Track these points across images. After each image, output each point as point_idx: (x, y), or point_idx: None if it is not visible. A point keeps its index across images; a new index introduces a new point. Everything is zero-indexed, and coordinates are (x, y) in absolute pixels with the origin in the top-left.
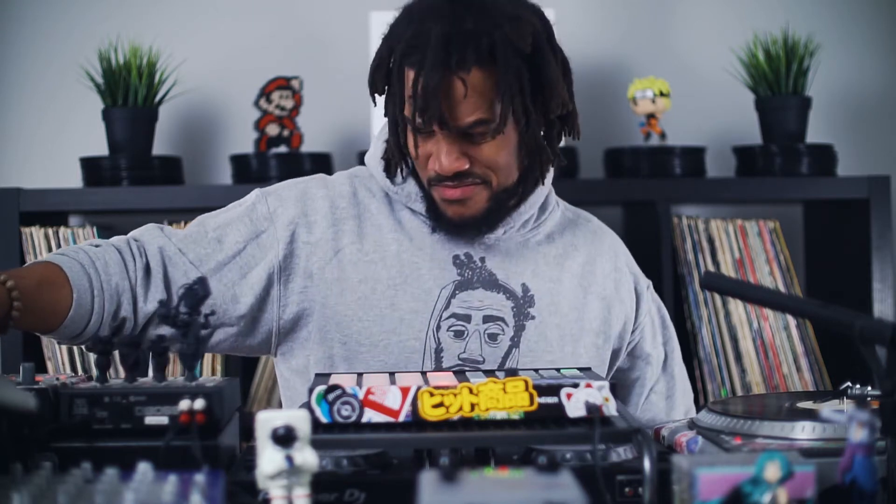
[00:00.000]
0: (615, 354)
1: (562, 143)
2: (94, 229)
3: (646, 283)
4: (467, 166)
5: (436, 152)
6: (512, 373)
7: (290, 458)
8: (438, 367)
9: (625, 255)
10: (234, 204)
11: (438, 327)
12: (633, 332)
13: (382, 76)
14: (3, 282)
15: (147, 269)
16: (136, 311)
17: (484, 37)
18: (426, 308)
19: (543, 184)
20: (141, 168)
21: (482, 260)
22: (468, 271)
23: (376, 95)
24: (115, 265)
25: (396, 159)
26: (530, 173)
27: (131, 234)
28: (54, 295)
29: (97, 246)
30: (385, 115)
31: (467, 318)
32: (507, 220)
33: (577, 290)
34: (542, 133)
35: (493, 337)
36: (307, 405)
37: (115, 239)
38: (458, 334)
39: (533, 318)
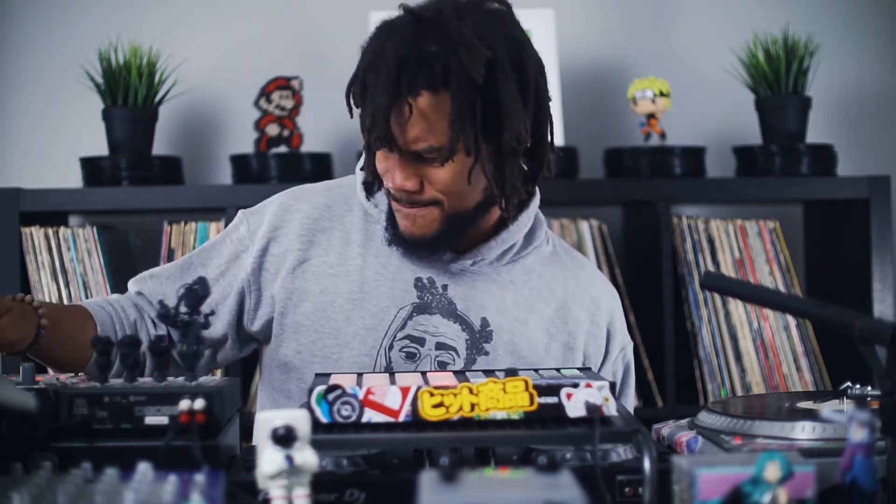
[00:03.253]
0: None
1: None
2: (94, 229)
3: (620, 345)
4: (417, 188)
5: (391, 169)
6: (512, 373)
7: (290, 458)
8: None
9: (608, 310)
10: (224, 231)
11: (391, 347)
12: None
13: (356, 90)
14: (29, 301)
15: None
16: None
17: (438, 61)
18: (381, 326)
19: (516, 219)
20: (141, 168)
21: (444, 287)
22: (428, 295)
23: (353, 109)
24: (129, 305)
25: (369, 174)
26: (488, 202)
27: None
28: (78, 322)
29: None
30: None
31: (421, 342)
32: (477, 252)
33: (543, 335)
34: (502, 163)
35: (442, 365)
36: (307, 405)
37: (115, 296)
38: (410, 356)
39: (486, 353)
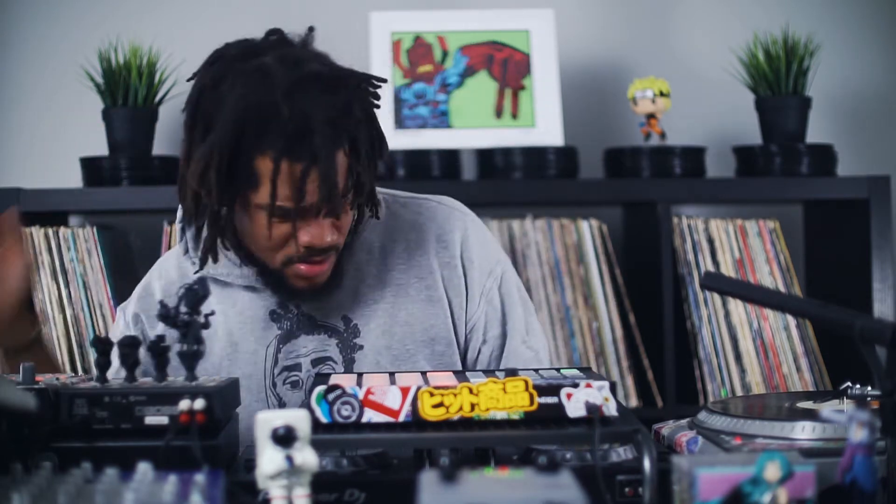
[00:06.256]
0: (468, 356)
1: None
2: (94, 229)
3: (485, 270)
4: (339, 239)
5: (313, 230)
6: (512, 373)
7: (290, 458)
8: None
9: (455, 243)
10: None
11: (274, 384)
12: (471, 329)
13: (225, 172)
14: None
15: None
16: None
17: (346, 116)
18: (258, 371)
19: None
20: (141, 168)
21: (297, 306)
22: (286, 322)
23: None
24: None
25: (220, 247)
26: (358, 222)
27: None
28: None
29: None
30: (217, 207)
31: (297, 368)
32: None
33: (406, 301)
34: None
35: None
36: (307, 405)
37: None
38: (294, 385)
39: (361, 347)
